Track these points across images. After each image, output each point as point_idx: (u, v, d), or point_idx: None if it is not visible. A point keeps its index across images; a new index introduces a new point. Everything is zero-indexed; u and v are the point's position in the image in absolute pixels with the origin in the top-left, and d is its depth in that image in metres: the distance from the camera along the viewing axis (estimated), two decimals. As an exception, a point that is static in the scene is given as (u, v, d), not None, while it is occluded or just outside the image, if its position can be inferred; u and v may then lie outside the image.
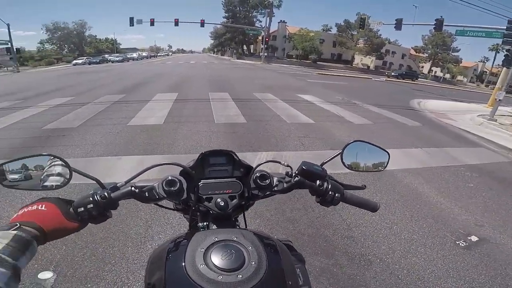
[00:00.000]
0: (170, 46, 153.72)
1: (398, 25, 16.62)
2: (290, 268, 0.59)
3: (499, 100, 8.93)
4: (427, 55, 50.78)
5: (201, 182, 0.70)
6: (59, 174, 0.61)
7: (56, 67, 34.77)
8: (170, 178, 0.64)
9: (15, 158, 0.59)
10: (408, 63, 55.78)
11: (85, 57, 39.24)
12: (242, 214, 0.80)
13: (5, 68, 34.00)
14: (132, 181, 0.63)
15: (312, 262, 1.95)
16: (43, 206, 0.54)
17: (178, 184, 0.63)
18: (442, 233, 2.49)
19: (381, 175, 3.54)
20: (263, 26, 40.10)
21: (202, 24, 32.45)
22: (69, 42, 52.86)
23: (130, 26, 29.72)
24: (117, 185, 0.61)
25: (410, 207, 2.90)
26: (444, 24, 14.93)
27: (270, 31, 42.89)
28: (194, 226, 0.78)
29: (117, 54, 47.63)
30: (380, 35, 44.37)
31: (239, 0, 46.31)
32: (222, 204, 0.67)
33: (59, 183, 0.60)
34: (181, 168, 0.67)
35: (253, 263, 0.50)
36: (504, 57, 10.45)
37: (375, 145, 0.82)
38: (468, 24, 14.05)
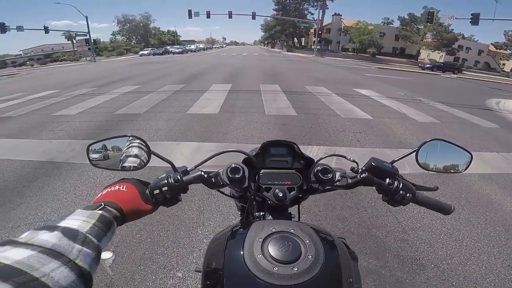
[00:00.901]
0: (224, 38, 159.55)
1: (475, 19, 14.61)
2: (347, 265, 0.57)
3: None
4: (510, 51, 43.13)
5: (261, 171, 0.69)
6: (136, 156, 0.62)
7: (125, 57, 39.02)
8: (234, 165, 0.64)
9: (101, 139, 0.64)
10: (486, 60, 48.55)
11: (150, 48, 43.07)
12: (295, 207, 0.79)
13: (84, 58, 39.46)
14: (200, 166, 0.65)
15: (359, 261, 1.85)
16: (124, 187, 0.55)
17: (241, 171, 0.64)
18: (511, 243, 2.22)
19: (447, 178, 3.22)
20: (315, 19, 38.70)
21: (254, 16, 32.83)
22: (136, 34, 58.27)
23: (189, 18, 31.40)
24: (188, 169, 0.63)
25: (478, 214, 2.60)
26: None
27: (324, 24, 41.23)
28: (248, 216, 0.79)
29: (178, 46, 51.17)
30: (452, 29, 39.21)
31: None
32: (281, 195, 0.66)
33: (136, 165, 0.62)
34: (243, 157, 0.67)
35: (310, 256, 0.49)
36: None
37: (456, 145, 0.75)
38: None
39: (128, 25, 56.75)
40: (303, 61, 25.49)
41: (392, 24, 46.17)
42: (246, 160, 0.67)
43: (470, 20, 14.78)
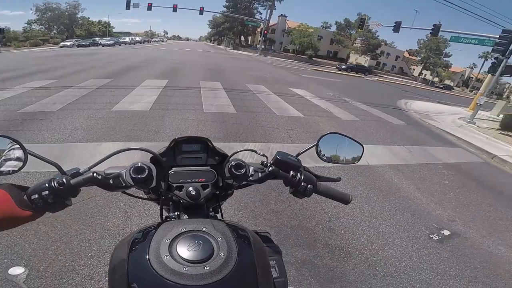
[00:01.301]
0: (165, 32, 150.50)
1: (397, 27, 16.80)
2: (263, 260, 0.56)
3: (480, 104, 9.40)
4: (419, 58, 51.73)
5: (172, 170, 0.66)
6: (18, 159, 0.56)
7: (42, 48, 33.40)
8: (138, 165, 0.60)
9: None
10: (401, 65, 57.08)
11: (74, 40, 37.80)
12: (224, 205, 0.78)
13: (-16, 48, 32.31)
14: (96, 167, 0.58)
15: (294, 253, 1.97)
16: None
17: (146, 171, 0.60)
18: (417, 227, 2.58)
19: (363, 170, 3.63)
20: (263, 18, 39.62)
21: (201, 11, 31.68)
22: (58, 23, 50.83)
23: (126, 9, 28.83)
24: (80, 170, 0.57)
25: (389, 201, 2.99)
26: (440, 29, 15.15)
27: (270, 24, 42.47)
28: (164, 217, 0.74)
29: (109, 38, 46.11)
30: (378, 36, 44.78)
31: None
32: (194, 193, 0.63)
33: (16, 168, 0.55)
34: (150, 155, 0.63)
35: (222, 254, 0.48)
36: (491, 64, 10.78)
37: (350, 138, 0.81)
38: (463, 31, 14.34)
39: (50, 13, 48.95)
40: (247, 59, 25.82)
41: (330, 28, 50.20)
42: (154, 158, 0.63)
43: (393, 27, 16.89)
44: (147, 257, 0.47)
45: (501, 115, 10.74)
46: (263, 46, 38.79)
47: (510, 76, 10.22)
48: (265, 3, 43.25)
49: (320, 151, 0.78)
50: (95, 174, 0.56)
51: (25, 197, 0.53)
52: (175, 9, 30.64)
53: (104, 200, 2.23)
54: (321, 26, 50.27)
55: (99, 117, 4.43)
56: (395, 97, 13.61)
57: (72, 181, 0.55)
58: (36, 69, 10.37)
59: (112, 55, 18.35)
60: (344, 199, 0.75)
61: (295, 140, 4.39)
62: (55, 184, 0.54)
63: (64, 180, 0.54)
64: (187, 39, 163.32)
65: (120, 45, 40.30)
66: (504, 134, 8.32)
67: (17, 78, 8.19)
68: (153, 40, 75.66)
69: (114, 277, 0.51)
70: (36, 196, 0.53)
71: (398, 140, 5.37)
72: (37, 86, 6.72)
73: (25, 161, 0.56)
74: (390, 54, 55.19)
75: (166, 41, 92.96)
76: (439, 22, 15.07)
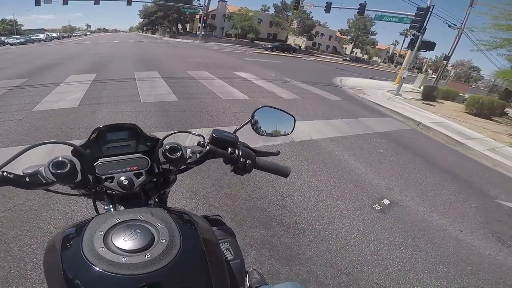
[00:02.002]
0: (88, 26, 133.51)
1: (328, 8, 17.67)
2: (212, 243, 0.56)
3: (403, 78, 10.70)
4: (350, 37, 55.70)
5: (98, 161, 0.62)
6: None
7: None
8: (59, 159, 0.56)
9: None
10: (334, 45, 60.77)
11: (-28, 41, 31.22)
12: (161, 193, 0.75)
13: None
14: (7, 166, 0.53)
15: (252, 235, 1.99)
16: None
17: (68, 165, 0.56)
18: (360, 197, 2.69)
19: (307, 144, 3.82)
20: (201, 5, 37.82)
21: (129, 2, 28.73)
22: None
23: (36, 5, 24.45)
24: None
25: (333, 173, 3.14)
26: (366, 8, 16.43)
27: (210, 10, 40.80)
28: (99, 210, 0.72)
29: (19, 36, 39.17)
30: (312, 17, 46.68)
31: None
32: (126, 183, 0.60)
33: None
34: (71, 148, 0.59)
35: (163, 241, 0.47)
36: (410, 41, 12.09)
37: (281, 110, 0.84)
38: (386, 10, 15.90)
39: None
40: (187, 47, 24.62)
41: (269, 11, 50.76)
42: (75, 150, 0.59)
43: (324, 8, 17.67)
44: (81, 250, 0.45)
45: (422, 87, 12.25)
46: (203, 33, 37.36)
47: (426, 51, 11.78)
48: None
49: (257, 124, 0.80)
50: (5, 173, 0.53)
51: None
52: (97, 1, 27.29)
53: (39, 204, 2.04)
54: (261, 9, 50.54)
55: (18, 119, 3.86)
56: (330, 75, 14.53)
57: None
58: None
59: (25, 54, 15.70)
60: (283, 172, 0.76)
61: (242, 122, 4.46)
62: None
63: None
64: (116, 31, 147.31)
65: (33, 42, 34.56)
66: (425, 103, 9.55)
67: None
68: (73, 35, 66.73)
69: (51, 277, 0.48)
70: None
71: (336, 114, 5.80)
72: None
73: None
74: (324, 35, 58.08)
75: (90, 34, 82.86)
76: (365, 1, 16.37)
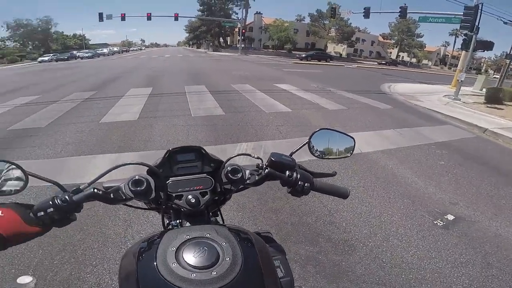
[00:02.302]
0: (143, 41, 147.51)
1: (366, 13, 17.13)
2: (268, 261, 0.58)
3: (461, 81, 9.55)
4: (394, 41, 52.75)
5: (170, 180, 0.68)
6: (18, 179, 0.59)
7: (21, 64, 32.28)
8: (136, 178, 0.62)
9: None
10: (377, 50, 58.01)
11: (51, 54, 36.75)
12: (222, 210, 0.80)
13: (-41, 68, 30.82)
14: (96, 183, 0.61)
15: (297, 250, 1.94)
16: (0, 212, 0.53)
17: (145, 183, 0.62)
18: (419, 213, 2.50)
19: (357, 158, 3.62)
20: (239, 18, 39.51)
21: (176, 18, 31.42)
22: (33, 39, 49.53)
23: (100, 21, 28.13)
24: (80, 187, 0.60)
25: (387, 188, 2.92)
26: (407, 11, 15.59)
27: (247, 23, 42.49)
28: (166, 225, 0.77)
29: (87, 50, 45.06)
30: (351, 23, 45.45)
31: None
32: (193, 201, 0.66)
33: (18, 188, 0.59)
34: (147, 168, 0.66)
35: (228, 259, 0.49)
36: (462, 41, 10.98)
37: (340, 132, 0.83)
38: (429, 11, 14.82)
39: (23, 30, 47.65)
40: (229, 60, 25.74)
41: (304, 20, 50.54)
42: (151, 170, 0.65)
43: (363, 14, 17.20)
44: (155, 263, 0.48)
45: (484, 89, 10.85)
46: (243, 45, 38.74)
47: (483, 51, 10.65)
48: (239, 3, 43.21)
49: (313, 147, 0.80)
50: (95, 190, 0.58)
51: (31, 214, 0.56)
52: (149, 17, 30.22)
53: (103, 210, 2.25)
54: (296, 19, 50.72)
55: (88, 130, 4.41)
56: (377, 81, 13.78)
57: (74, 198, 0.57)
58: (19, 86, 10.10)
59: (92, 67, 17.97)
60: (341, 193, 0.77)
61: (286, 136, 4.45)
62: (58, 201, 0.56)
63: (67, 197, 0.56)
64: (166, 45, 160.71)
65: (98, 56, 39.46)
66: (490, 107, 8.38)
67: (1, 95, 7.97)
68: (131, 49, 74.29)
69: (125, 283, 0.53)
70: (42, 213, 0.55)
71: (387, 124, 5.40)
72: (23, 103, 6.59)
73: (26, 182, 0.59)
74: (365, 40, 56.02)
75: (144, 49, 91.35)
76: (405, 4, 15.49)
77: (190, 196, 0.66)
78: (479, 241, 2.20)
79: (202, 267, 0.48)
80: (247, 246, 0.56)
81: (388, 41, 56.18)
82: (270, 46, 45.59)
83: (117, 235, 2.04)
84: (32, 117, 5.22)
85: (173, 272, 0.47)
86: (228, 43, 55.26)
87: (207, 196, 0.68)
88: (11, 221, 0.53)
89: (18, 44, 48.17)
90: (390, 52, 58.84)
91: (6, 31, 47.41)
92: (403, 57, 52.74)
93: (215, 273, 0.47)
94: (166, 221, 0.76)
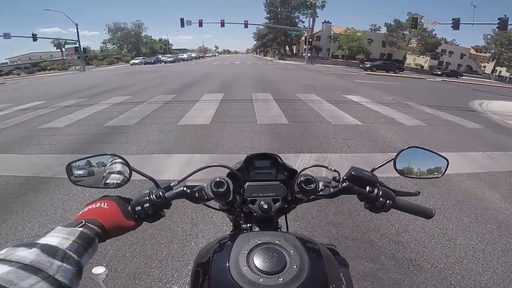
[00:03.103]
0: (216, 47, 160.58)
1: (456, 24, 15.38)
2: (334, 272, 0.58)
3: None
4: (489, 54, 45.07)
5: (246, 184, 0.70)
6: (119, 172, 0.64)
7: (116, 66, 38.72)
8: (218, 179, 0.64)
9: (82, 157, 0.66)
10: (468, 63, 50.91)
11: (141, 57, 42.78)
12: (283, 217, 0.81)
13: (73, 66, 38.83)
14: (183, 181, 0.65)
15: (355, 266, 1.89)
16: (106, 204, 0.56)
17: (225, 185, 0.64)
18: (504, 239, 2.29)
19: (435, 179, 3.20)
20: (306, 27, 39.47)
21: (246, 25, 33.25)
22: (127, 42, 57.74)
23: (181, 27, 31.55)
24: (171, 184, 0.63)
25: (469, 212, 2.66)
26: (508, 23, 13.25)
27: (314, 32, 42.13)
28: (238, 227, 0.79)
29: (169, 55, 50.94)
30: (435, 34, 40.80)
31: (281, 1, 46.24)
32: (266, 207, 0.67)
33: (119, 181, 0.63)
34: (228, 170, 0.68)
35: (295, 266, 0.50)
36: None
37: (432, 151, 0.77)
38: None
39: (119, 33, 56.36)
40: (295, 68, 25.86)
41: (379, 30, 47.50)
42: (231, 173, 0.68)
43: (451, 25, 15.52)
44: (228, 265, 0.50)
45: None
46: (309, 54, 38.36)
47: None
48: (305, 12, 43.06)
49: (402, 167, 0.76)
50: (185, 188, 0.62)
51: (129, 208, 0.59)
52: (222, 24, 32.62)
53: (173, 207, 2.45)
54: (370, 29, 47.80)
55: (167, 130, 4.94)
56: (466, 97, 11.95)
57: (166, 194, 0.61)
58: (115, 86, 12.12)
59: (174, 72, 20.35)
60: (426, 213, 0.73)
61: (355, 150, 4.17)
62: (154, 197, 0.60)
63: (161, 193, 0.60)
64: (236, 52, 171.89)
65: (179, 61, 44.20)
66: None
67: (100, 94, 9.72)
68: (206, 55, 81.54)
69: (197, 280, 0.55)
70: (139, 208, 0.59)
71: (475, 146, 4.70)
72: (117, 102, 7.85)
73: (129, 177, 0.63)
74: (453, 52, 49.77)
75: (217, 55, 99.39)
76: (505, 16, 13.27)
77: (263, 202, 0.68)
78: None
79: (270, 273, 0.48)
80: (314, 256, 0.55)
81: (482, 54, 48.58)
82: (339, 56, 44.01)
83: (184, 232, 2.17)
84: (123, 115, 6.13)
85: (243, 275, 0.48)
86: (294, 52, 55.57)
87: (278, 203, 0.70)
88: (114, 214, 0.56)
89: (116, 47, 57.33)
90: (484, 66, 50.67)
91: (107, 33, 56.80)
92: (500, 71, 44.52)
93: (281, 279, 0.47)
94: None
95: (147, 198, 0.60)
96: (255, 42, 67.29)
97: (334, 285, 0.54)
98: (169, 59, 43.14)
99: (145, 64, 37.55)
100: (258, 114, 6.20)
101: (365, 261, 1.93)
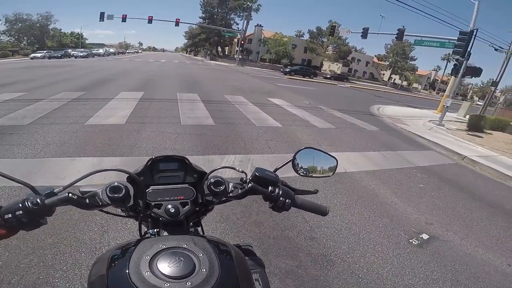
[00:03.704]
0: (140, 44, 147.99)
1: (365, 33, 17.67)
2: (245, 274, 0.58)
3: (447, 106, 9.88)
4: (388, 63, 54.42)
5: (150, 189, 0.68)
6: None
7: (10, 60, 31.54)
8: (115, 184, 0.62)
9: None
10: (371, 71, 59.58)
11: (45, 51, 36.09)
12: (203, 221, 0.80)
13: None
14: (73, 187, 0.59)
15: (277, 264, 1.98)
16: None
17: (123, 190, 0.61)
18: (396, 232, 2.63)
19: (341, 177, 3.72)
20: (239, 29, 40.13)
21: (177, 23, 31.60)
22: (29, 35, 48.84)
23: (100, 21, 28.14)
24: (54, 190, 0.57)
25: (368, 207, 3.06)
26: (405, 34, 16.14)
27: (247, 34, 43.13)
28: (144, 233, 0.76)
29: (82, 49, 44.54)
30: (348, 43, 46.77)
31: (218, 1, 45.96)
32: (173, 211, 0.65)
33: None
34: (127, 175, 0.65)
35: (204, 270, 0.49)
36: (453, 66, 11.37)
37: (324, 152, 0.86)
38: (425, 34, 15.47)
39: (20, 24, 47.04)
40: (225, 70, 25.97)
41: (303, 36, 51.50)
42: (130, 177, 0.65)
43: (361, 34, 17.68)
44: (127, 271, 0.47)
45: (467, 116, 11.28)
46: (240, 56, 39.20)
47: (471, 77, 11.02)
48: (241, 14, 44.01)
49: (298, 164, 0.82)
50: (70, 194, 0.56)
51: None
52: (150, 20, 30.39)
53: (79, 214, 2.18)
54: (295, 34, 51.84)
55: (72, 131, 4.28)
56: (367, 102, 14.19)
57: (46, 201, 0.55)
58: (5, 81, 9.78)
59: (85, 67, 17.71)
60: (321, 211, 0.78)
61: (275, 151, 4.46)
62: (29, 204, 0.53)
63: (38, 200, 0.54)
64: (163, 50, 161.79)
65: (93, 56, 38.98)
66: (471, 134, 8.82)
67: None
68: (127, 51, 74.11)
69: None
70: (10, 215, 0.53)
71: (373, 146, 5.57)
72: (6, 99, 6.36)
73: None
74: (360, 60, 57.12)
75: (141, 52, 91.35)
76: (403, 27, 16.12)
77: (169, 206, 0.66)
78: (450, 259, 2.35)
79: (176, 277, 0.47)
80: (225, 258, 0.55)
81: (382, 62, 57.64)
82: (267, 60, 46.35)
83: (92, 240, 1.98)
84: (13, 114, 5.03)
85: (145, 281, 0.46)
86: (226, 53, 55.91)
87: (187, 206, 0.68)
88: None
89: (13, 39, 47.46)
90: (383, 74, 60.66)
91: (4, 24, 46.86)
92: (394, 79, 54.33)
93: (189, 283, 0.46)
94: (144, 229, 0.75)
95: (20, 205, 0.54)
96: (186, 41, 64.75)
97: (246, 287, 0.54)
98: (81, 54, 37.61)
99: (49, 58, 31.69)
100: (182, 114, 5.98)
101: (285, 259, 2.04)
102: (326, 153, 0.86)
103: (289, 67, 34.78)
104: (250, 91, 11.50)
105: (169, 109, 6.47)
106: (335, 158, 0.87)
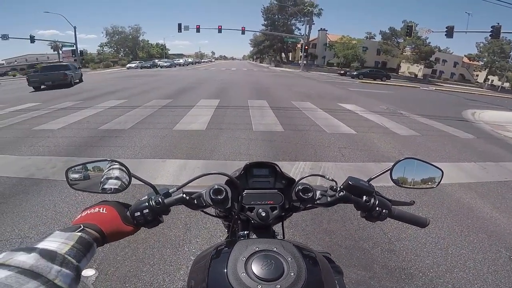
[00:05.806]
0: (213, 53, 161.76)
1: (449, 32, 15.61)
2: (330, 280, 0.59)
3: None
4: (482, 63, 46.17)
5: (245, 192, 0.71)
6: (117, 178, 0.64)
7: (112, 69, 38.51)
8: (216, 187, 0.66)
9: (80, 163, 0.67)
10: (461, 72, 51.81)
11: (137, 61, 42.72)
12: (280, 224, 0.82)
13: (70, 69, 38.19)
14: (182, 188, 0.66)
15: (348, 274, 1.90)
16: (104, 209, 0.57)
17: (224, 192, 0.65)
18: (495, 248, 2.33)
19: (429, 189, 3.26)
20: (302, 34, 39.95)
21: (243, 31, 33.51)
22: (124, 46, 57.73)
23: (178, 32, 31.77)
24: (169, 191, 0.64)
25: (460, 222, 2.71)
26: (501, 31, 13.59)
27: (310, 39, 42.64)
28: (233, 234, 0.80)
29: (166, 60, 50.99)
30: (429, 43, 41.64)
31: (278, 8, 46.87)
32: (264, 215, 0.68)
33: (117, 187, 0.64)
34: (226, 178, 0.69)
35: (292, 273, 0.50)
36: None
37: (427, 162, 0.80)
38: None
39: (117, 37, 56.46)
40: (290, 76, 26.08)
41: (374, 38, 48.40)
42: (229, 181, 0.69)
43: (445, 33, 15.81)
44: (225, 271, 0.50)
45: None
46: (305, 62, 38.79)
47: None
48: (302, 19, 43.70)
49: (397, 177, 0.78)
50: (184, 195, 0.63)
51: (128, 213, 0.60)
52: (220, 30, 32.92)
53: None
54: (365, 37, 48.63)
55: (162, 135, 4.93)
56: (459, 107, 12.14)
57: (165, 201, 0.62)
58: (110, 90, 12.05)
59: (170, 76, 20.36)
60: (420, 223, 0.75)
61: (349, 159, 4.20)
62: (153, 203, 0.60)
63: (160, 199, 0.61)
64: (232, 59, 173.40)
65: (175, 66, 44.24)
66: None
67: (95, 97, 9.65)
68: (202, 61, 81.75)
69: (194, 286, 0.55)
70: (139, 213, 0.60)
71: (467, 156, 4.78)
72: (112, 106, 7.80)
73: (128, 183, 0.64)
74: (446, 61, 50.62)
75: (214, 61, 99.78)
76: (498, 24, 13.57)
77: (261, 210, 0.68)
78: None
79: (268, 280, 0.49)
80: (311, 263, 0.56)
81: (475, 63, 49.63)
82: (334, 64, 44.64)
83: (177, 237, 2.17)
84: (117, 119, 6.10)
85: (241, 282, 0.48)
86: (290, 59, 56.14)
87: (276, 211, 0.71)
88: (113, 219, 0.56)
89: (113, 50, 57.17)
90: (477, 75, 51.68)
91: (105, 37, 56.74)
92: (492, 80, 45.42)
93: (279, 286, 0.48)
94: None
95: (147, 204, 0.61)
96: (252, 48, 67.87)
97: None
98: (165, 64, 43.18)
99: (141, 68, 37.47)
100: (253, 121, 6.22)
101: (357, 269, 1.95)
102: (430, 164, 0.80)
103: (356, 70, 32.72)
104: (318, 97, 11.20)
105: (242, 115, 6.82)
106: (441, 170, 0.81)
